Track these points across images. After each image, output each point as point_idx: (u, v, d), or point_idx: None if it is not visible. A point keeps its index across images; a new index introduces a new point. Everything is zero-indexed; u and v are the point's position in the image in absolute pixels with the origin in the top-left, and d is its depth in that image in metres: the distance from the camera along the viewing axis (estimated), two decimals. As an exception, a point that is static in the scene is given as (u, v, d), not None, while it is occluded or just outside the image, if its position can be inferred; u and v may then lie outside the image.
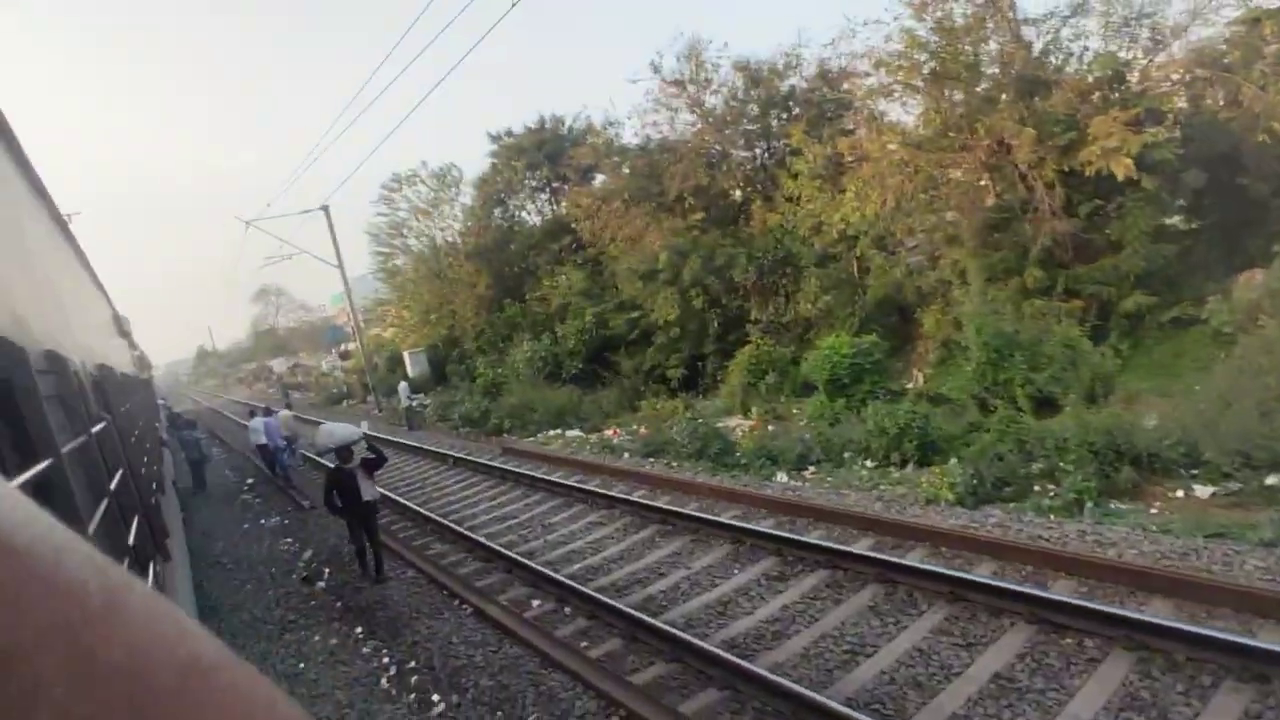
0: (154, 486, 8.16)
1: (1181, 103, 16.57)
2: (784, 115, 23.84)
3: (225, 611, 9.12)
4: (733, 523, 8.60)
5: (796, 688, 5.07)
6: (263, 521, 13.59)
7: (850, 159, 19.70)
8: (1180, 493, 8.37)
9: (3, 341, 1.44)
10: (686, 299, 21.85)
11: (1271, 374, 9.04)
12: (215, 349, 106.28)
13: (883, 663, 5.48)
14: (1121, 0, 16.13)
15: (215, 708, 0.27)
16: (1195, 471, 8.62)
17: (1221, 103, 16.15)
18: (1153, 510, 7.96)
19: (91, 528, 1.85)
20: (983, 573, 6.42)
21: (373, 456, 8.81)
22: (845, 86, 21.39)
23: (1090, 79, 16.36)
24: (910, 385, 16.70)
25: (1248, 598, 5.23)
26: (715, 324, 21.92)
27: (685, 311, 21.99)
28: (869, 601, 6.46)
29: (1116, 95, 15.67)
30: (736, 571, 7.62)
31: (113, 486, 2.84)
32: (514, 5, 9.48)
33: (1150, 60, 16.85)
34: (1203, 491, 8.25)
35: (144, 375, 19.77)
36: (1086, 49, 17.01)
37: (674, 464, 12.52)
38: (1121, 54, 16.69)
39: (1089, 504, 7.99)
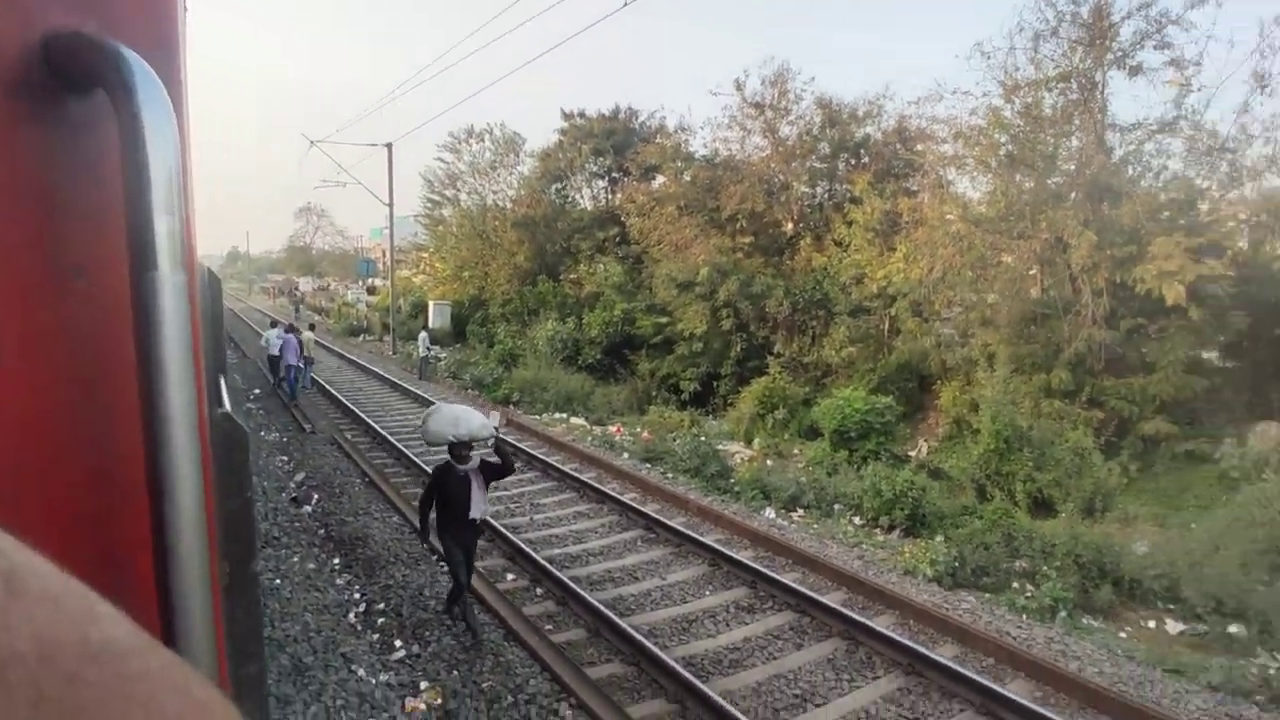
0: None
1: (1243, 243, 16.58)
2: (853, 161, 24.02)
3: (214, 512, 9.39)
4: (715, 545, 8.76)
5: (743, 719, 5.24)
6: (263, 434, 13.89)
7: (907, 220, 19.83)
8: (1152, 623, 8.46)
9: (212, 273, 1.65)
10: (716, 317, 22.05)
11: (1262, 528, 9.10)
12: (248, 253, 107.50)
13: (828, 716, 5.64)
14: (1209, 130, 16.15)
15: (125, 695, 0.27)
16: (1171, 606, 8.70)
17: (1280, 252, 16.17)
18: (1122, 634, 8.06)
19: None
20: (945, 653, 6.55)
21: (497, 461, 6.43)
22: (919, 148, 21.49)
23: (1163, 198, 16.40)
24: (914, 453, 16.80)
25: (1193, 740, 5.35)
26: (738, 348, 22.10)
27: (712, 329, 22.19)
28: (829, 654, 6.61)
29: (1183, 221, 15.68)
30: (709, 593, 7.79)
31: None
32: (625, 5, 9.71)
33: (1223, 195, 16.84)
34: (1174, 627, 8.33)
35: None
36: (1165, 168, 17.07)
37: (669, 475, 12.70)
38: (1198, 181, 16.71)
39: (1062, 613, 8.08)
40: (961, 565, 8.87)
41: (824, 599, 7.46)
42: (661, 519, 9.65)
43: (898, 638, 6.62)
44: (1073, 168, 17.59)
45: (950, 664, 6.17)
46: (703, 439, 14.07)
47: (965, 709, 5.75)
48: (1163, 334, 15.33)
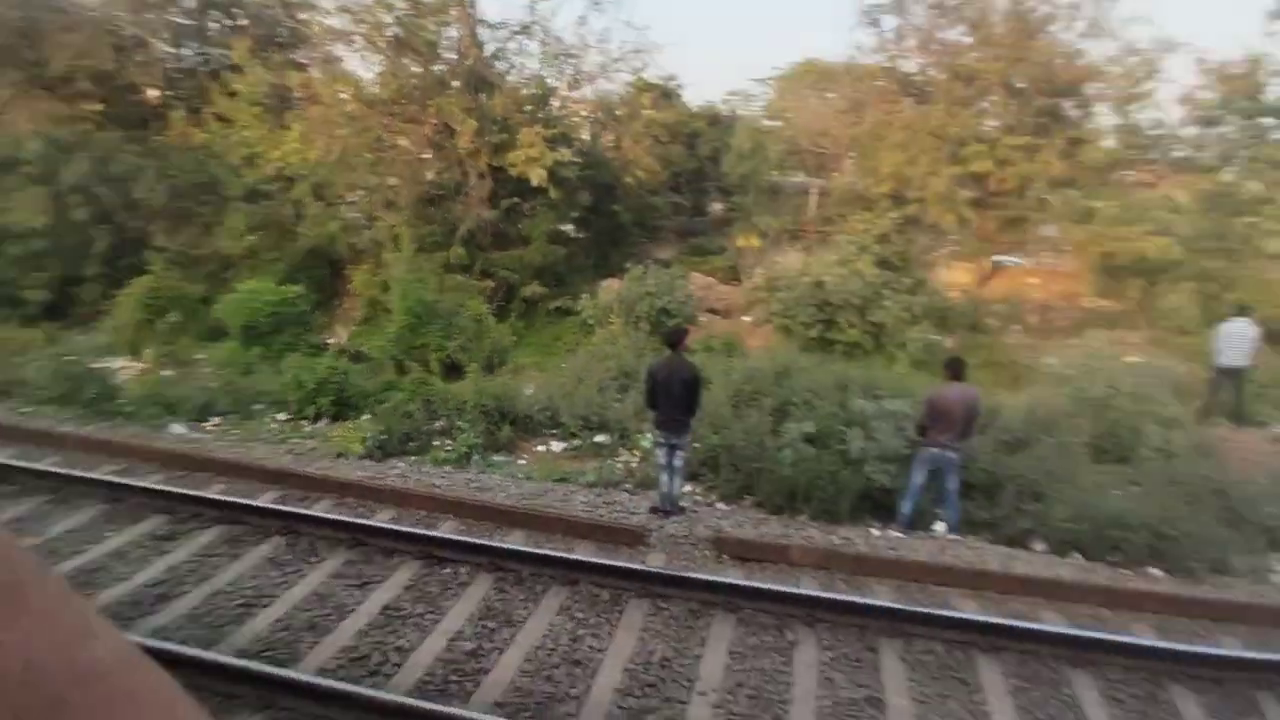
0: None
1: (585, 135, 20.42)
2: (227, 22, 21.08)
3: None
4: (108, 478, 7.44)
5: (180, 648, 4.80)
6: None
7: (300, 96, 18.62)
8: (542, 447, 10.46)
9: None
10: (63, 206, 17.47)
11: (610, 360, 12.01)
12: None
13: (279, 611, 5.57)
14: (556, 36, 19.02)
15: (108, 716, 0.27)
16: (554, 431, 10.85)
17: (612, 143, 20.50)
18: (521, 461, 9.79)
19: None
20: (382, 519, 7.02)
21: None
22: (303, 17, 20.03)
23: (524, 93, 18.86)
24: (333, 340, 16.70)
25: (572, 525, 6.98)
26: (104, 244, 18.07)
27: (60, 222, 17.54)
28: (269, 554, 6.42)
29: (541, 114, 18.41)
30: (110, 534, 6.66)
31: None
32: None
33: (570, 94, 20.26)
34: (557, 447, 10.47)
35: None
36: (526, 66, 19.56)
37: (27, 410, 10.08)
38: (550, 81, 19.66)
39: (476, 457, 9.39)
40: (389, 437, 9.44)
41: (256, 502, 7.13)
42: (22, 464, 7.70)
43: (337, 517, 6.82)
44: (455, 57, 18.77)
45: (388, 526, 6.67)
46: (71, 358, 11.43)
47: (406, 559, 6.33)
48: (533, 212, 18.15)
